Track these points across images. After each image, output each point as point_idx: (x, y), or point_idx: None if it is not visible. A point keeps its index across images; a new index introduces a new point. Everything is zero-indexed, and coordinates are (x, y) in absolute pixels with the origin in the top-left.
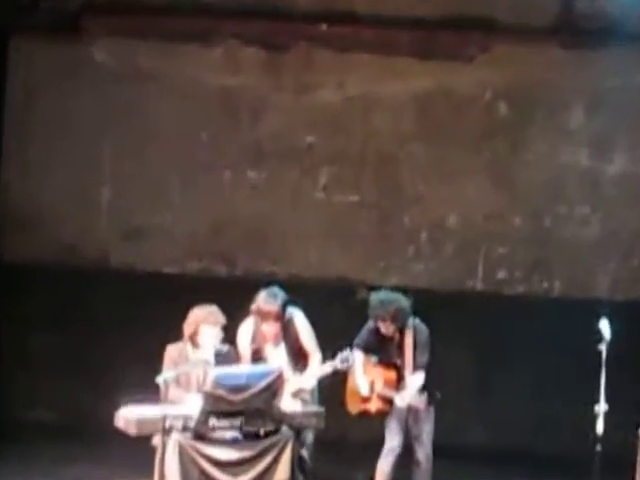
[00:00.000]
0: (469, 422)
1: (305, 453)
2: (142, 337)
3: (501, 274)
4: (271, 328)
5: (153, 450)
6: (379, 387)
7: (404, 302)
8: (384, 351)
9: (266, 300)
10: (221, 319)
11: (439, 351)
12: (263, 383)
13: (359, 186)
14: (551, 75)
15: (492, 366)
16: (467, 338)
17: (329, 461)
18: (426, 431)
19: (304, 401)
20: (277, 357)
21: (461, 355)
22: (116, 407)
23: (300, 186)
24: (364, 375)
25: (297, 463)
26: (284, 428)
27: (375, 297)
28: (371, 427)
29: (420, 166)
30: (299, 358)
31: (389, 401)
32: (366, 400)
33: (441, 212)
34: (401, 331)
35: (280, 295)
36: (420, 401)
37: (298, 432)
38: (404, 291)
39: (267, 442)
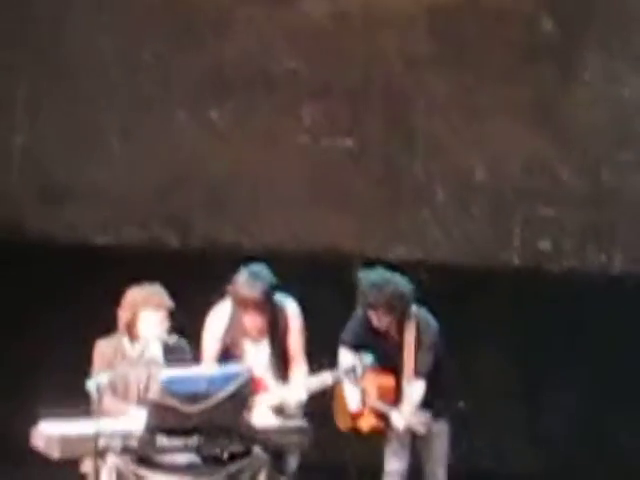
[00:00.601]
0: (505, 441)
1: (287, 476)
2: (66, 329)
3: (544, 244)
4: (254, 319)
5: (84, 478)
6: (372, 399)
7: (403, 284)
8: (379, 350)
9: (246, 283)
10: (166, 301)
11: (465, 346)
12: (228, 390)
13: (356, 127)
14: None
15: (534, 365)
16: (501, 328)
17: None
18: (438, 452)
19: (289, 416)
20: (257, 357)
21: (493, 351)
22: (33, 422)
23: (277, 127)
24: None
25: None
26: (256, 450)
27: (365, 278)
28: (370, 447)
29: (437, 101)
30: (283, 363)
31: (385, 416)
32: (357, 415)
33: (466, 162)
34: (400, 324)
35: (266, 277)
36: (421, 420)
37: (276, 455)
38: (412, 268)
39: (233, 468)
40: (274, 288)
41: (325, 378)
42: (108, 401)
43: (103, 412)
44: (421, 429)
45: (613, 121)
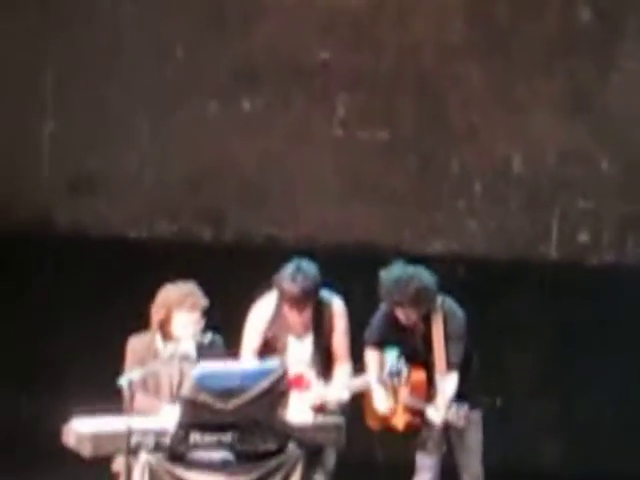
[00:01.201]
0: (541, 437)
1: (324, 475)
2: (97, 325)
3: (583, 237)
4: (296, 314)
5: (115, 477)
6: (405, 396)
7: (427, 278)
8: (406, 345)
9: (290, 277)
10: (201, 302)
11: (500, 341)
12: (262, 385)
13: (390, 119)
14: None
15: (572, 361)
16: (538, 322)
17: None
18: (473, 445)
19: (330, 414)
20: (300, 353)
21: (530, 346)
22: (64, 419)
23: (310, 120)
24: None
25: None
26: (291, 446)
27: (387, 276)
28: (405, 444)
29: (473, 91)
30: (327, 361)
31: (420, 412)
32: (390, 415)
33: (502, 153)
34: (426, 317)
35: (311, 273)
36: (460, 414)
37: (312, 452)
38: (448, 262)
39: (268, 465)
40: (319, 285)
41: (368, 379)
42: (140, 398)
43: (135, 409)
44: (460, 422)
45: None
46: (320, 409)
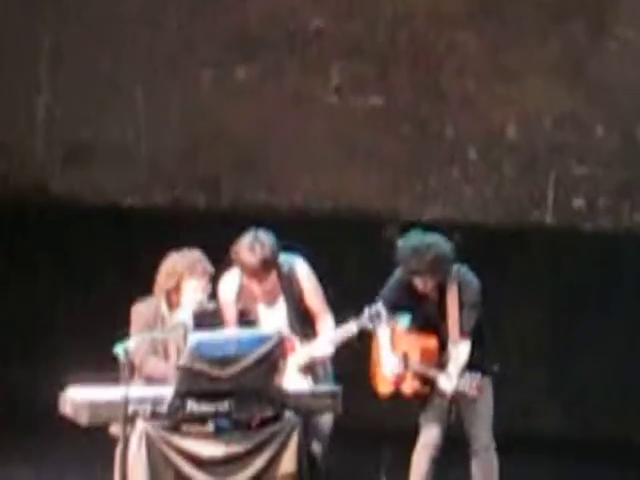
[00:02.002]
0: (539, 402)
1: (318, 446)
2: (94, 292)
3: (578, 203)
4: (260, 285)
5: (112, 444)
6: (415, 362)
7: (444, 246)
8: (419, 311)
9: (247, 249)
10: (209, 268)
11: (497, 307)
12: (258, 353)
13: (385, 86)
14: None
15: (568, 326)
16: (534, 288)
17: (348, 455)
18: (483, 414)
19: (316, 377)
20: (273, 321)
21: (526, 312)
22: (61, 387)
23: (305, 87)
24: (392, 346)
25: (305, 459)
26: (288, 414)
27: (405, 243)
28: (405, 411)
29: (468, 58)
30: (305, 322)
31: (430, 380)
32: (398, 380)
33: (497, 120)
34: (441, 285)
35: (266, 242)
36: (472, 383)
37: (307, 419)
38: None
39: (265, 433)
40: (277, 253)
41: (350, 327)
42: (154, 364)
43: (147, 375)
44: (472, 392)
45: None
46: (308, 370)
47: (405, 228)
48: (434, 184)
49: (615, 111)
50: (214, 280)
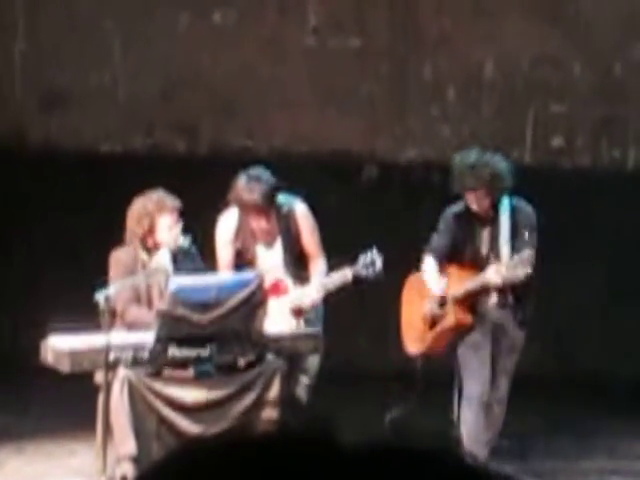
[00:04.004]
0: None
1: (303, 390)
2: (72, 239)
3: (557, 141)
4: (259, 223)
5: (95, 391)
6: (457, 290)
7: (502, 165)
8: (470, 247)
9: (246, 187)
10: (177, 202)
11: None
12: (238, 297)
13: (362, 26)
14: None
15: (547, 266)
16: None
17: (335, 399)
18: (510, 368)
19: (308, 321)
20: (271, 260)
21: None
22: (42, 336)
23: (282, 29)
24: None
25: (289, 401)
26: (269, 356)
27: (461, 161)
28: (388, 356)
29: None
30: (301, 264)
31: (473, 307)
32: (438, 318)
33: (474, 58)
34: (496, 209)
35: (266, 180)
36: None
37: (293, 362)
38: (422, 168)
39: (247, 376)
40: (275, 190)
41: (345, 273)
42: (135, 311)
43: (129, 323)
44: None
45: (624, 14)
46: (299, 313)
47: (384, 169)
48: (412, 124)
49: (593, 49)
50: (194, 226)
